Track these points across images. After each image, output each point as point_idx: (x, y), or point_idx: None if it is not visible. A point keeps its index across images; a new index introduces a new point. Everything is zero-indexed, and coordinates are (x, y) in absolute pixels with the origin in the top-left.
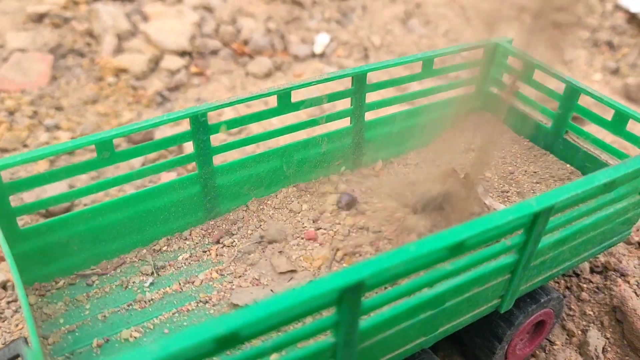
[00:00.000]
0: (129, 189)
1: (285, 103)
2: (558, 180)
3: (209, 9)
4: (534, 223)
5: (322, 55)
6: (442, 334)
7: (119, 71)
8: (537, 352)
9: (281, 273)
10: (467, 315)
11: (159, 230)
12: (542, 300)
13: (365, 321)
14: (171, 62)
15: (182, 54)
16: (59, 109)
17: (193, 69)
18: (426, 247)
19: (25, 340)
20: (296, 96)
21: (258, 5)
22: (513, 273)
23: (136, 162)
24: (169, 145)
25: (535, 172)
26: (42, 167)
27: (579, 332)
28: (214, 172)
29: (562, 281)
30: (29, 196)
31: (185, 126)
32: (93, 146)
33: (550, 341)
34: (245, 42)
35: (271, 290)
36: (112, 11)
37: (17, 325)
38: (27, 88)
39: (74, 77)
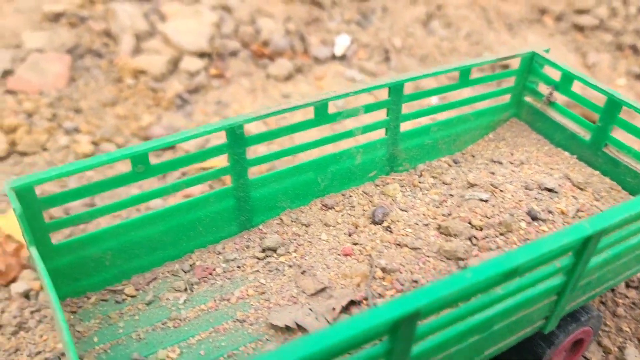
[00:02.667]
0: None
1: (322, 114)
2: (598, 194)
3: (227, 8)
4: (585, 245)
5: (342, 58)
6: (486, 357)
7: (138, 72)
8: None
9: (312, 295)
10: (512, 338)
11: (192, 244)
12: (583, 319)
13: (416, 347)
14: (190, 63)
15: (201, 55)
16: (77, 111)
17: (212, 71)
18: (483, 273)
19: (60, 358)
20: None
21: (276, 5)
22: (560, 295)
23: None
24: (205, 158)
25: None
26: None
27: (615, 349)
28: (248, 185)
29: (597, 297)
30: (54, 211)
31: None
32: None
33: (586, 358)
34: (265, 44)
35: (310, 309)
36: (130, 10)
37: (41, 336)
38: (45, 89)
39: (92, 79)
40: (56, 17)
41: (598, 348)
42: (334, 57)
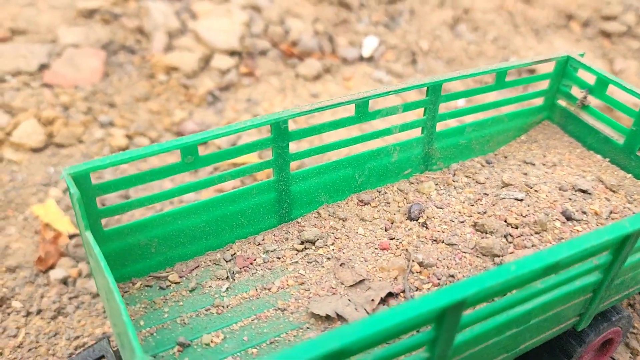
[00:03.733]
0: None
1: (363, 112)
2: (631, 197)
3: (257, 8)
4: (624, 244)
5: (370, 59)
6: (522, 350)
7: (170, 69)
8: None
9: (351, 286)
10: (547, 333)
11: (233, 235)
12: (614, 319)
13: (459, 337)
14: (221, 61)
15: (232, 53)
16: (112, 105)
17: (243, 69)
18: (526, 266)
19: (109, 340)
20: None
21: (305, 6)
22: (595, 292)
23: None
24: (251, 151)
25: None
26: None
27: None
28: (289, 178)
29: (626, 299)
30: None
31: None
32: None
33: (614, 359)
34: (294, 43)
35: (349, 300)
36: (162, 8)
37: (79, 322)
38: (80, 84)
39: (126, 74)
40: (90, 14)
41: (626, 349)
42: (361, 59)
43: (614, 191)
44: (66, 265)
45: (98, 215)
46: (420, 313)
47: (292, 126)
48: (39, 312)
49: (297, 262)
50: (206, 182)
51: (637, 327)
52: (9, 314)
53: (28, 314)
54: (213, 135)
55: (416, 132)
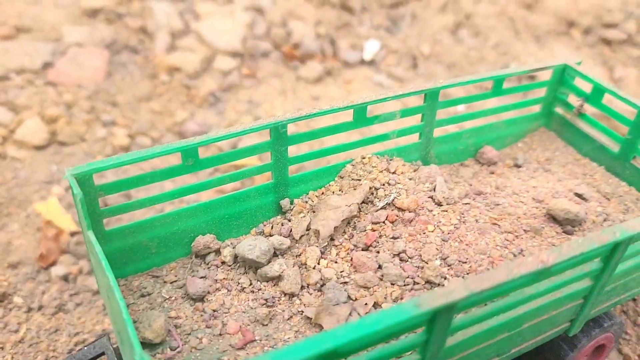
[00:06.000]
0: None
1: (361, 117)
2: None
3: (259, 10)
4: (614, 251)
5: (371, 63)
6: (513, 354)
7: (173, 69)
8: None
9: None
10: (538, 338)
11: (233, 235)
12: (605, 325)
13: (450, 340)
14: (223, 62)
15: (234, 55)
16: (114, 104)
17: (244, 71)
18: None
19: (109, 337)
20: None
21: (308, 9)
22: (586, 298)
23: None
24: (251, 154)
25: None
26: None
27: (636, 357)
28: (288, 181)
29: (619, 305)
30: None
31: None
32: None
33: None
34: (296, 46)
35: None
36: (165, 9)
37: (79, 318)
38: (84, 83)
39: (128, 74)
40: (94, 13)
41: (618, 356)
42: (362, 62)
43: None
44: (67, 262)
45: (100, 215)
46: (412, 316)
47: (292, 129)
48: (40, 308)
49: None
50: (207, 184)
51: (629, 333)
52: (10, 309)
53: (29, 309)
54: (213, 139)
55: (414, 138)
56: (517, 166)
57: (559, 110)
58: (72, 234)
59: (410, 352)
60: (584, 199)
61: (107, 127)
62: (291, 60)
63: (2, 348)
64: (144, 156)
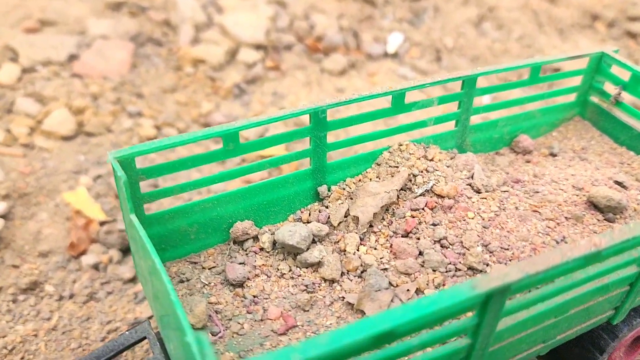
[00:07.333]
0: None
1: (399, 104)
2: None
3: (282, 3)
4: None
5: (394, 55)
6: (558, 341)
7: (197, 62)
8: None
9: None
10: (583, 325)
11: (271, 222)
12: None
13: (500, 325)
14: (247, 55)
15: (258, 47)
16: (139, 96)
17: (268, 63)
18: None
19: (149, 322)
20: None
21: (330, 2)
22: (632, 285)
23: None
24: (290, 140)
25: None
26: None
27: None
28: (326, 168)
29: None
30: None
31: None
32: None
33: None
34: (319, 39)
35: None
36: (189, 2)
37: (110, 307)
38: (109, 75)
39: (153, 66)
40: (118, 6)
41: None
42: (386, 55)
43: None
44: (97, 251)
45: (141, 199)
46: (468, 297)
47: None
48: (71, 296)
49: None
50: (245, 169)
51: None
52: (42, 297)
53: (61, 298)
54: (255, 123)
55: (450, 126)
56: (553, 155)
57: (594, 99)
58: (102, 223)
59: (458, 337)
60: (624, 187)
61: (133, 118)
62: (315, 52)
63: (36, 335)
64: (186, 140)
